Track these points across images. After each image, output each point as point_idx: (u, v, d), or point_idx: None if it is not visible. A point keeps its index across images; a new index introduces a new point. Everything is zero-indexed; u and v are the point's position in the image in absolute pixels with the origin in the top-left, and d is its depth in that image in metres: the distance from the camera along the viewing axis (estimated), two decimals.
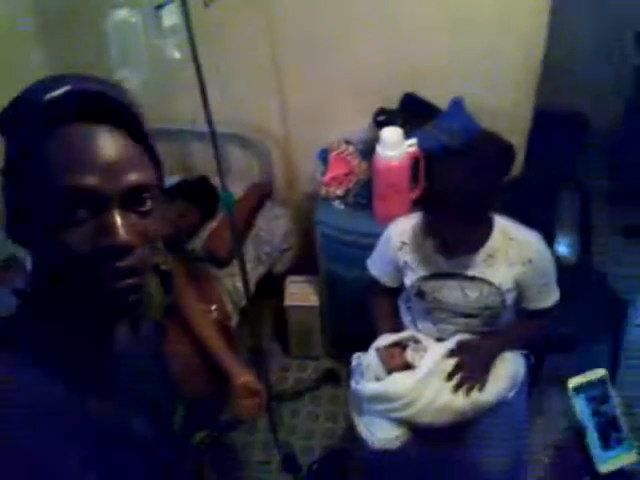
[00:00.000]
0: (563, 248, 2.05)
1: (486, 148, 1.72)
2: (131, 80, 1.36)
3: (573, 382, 1.17)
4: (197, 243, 2.20)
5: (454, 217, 1.52)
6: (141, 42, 1.37)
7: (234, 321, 2.14)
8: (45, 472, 0.62)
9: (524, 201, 1.94)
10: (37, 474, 0.61)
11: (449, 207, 1.53)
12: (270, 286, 2.53)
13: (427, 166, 1.91)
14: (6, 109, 0.65)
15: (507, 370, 1.67)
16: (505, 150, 1.85)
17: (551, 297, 1.69)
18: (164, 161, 2.56)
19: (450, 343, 1.69)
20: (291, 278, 2.54)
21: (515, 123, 2.13)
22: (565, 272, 1.77)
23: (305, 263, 2.52)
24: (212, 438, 1.72)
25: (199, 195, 2.11)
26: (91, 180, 0.62)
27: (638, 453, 1.16)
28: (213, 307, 2.03)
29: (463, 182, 1.50)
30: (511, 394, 1.68)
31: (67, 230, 0.62)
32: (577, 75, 3.09)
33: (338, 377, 2.51)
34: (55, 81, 0.64)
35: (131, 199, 0.65)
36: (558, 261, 1.76)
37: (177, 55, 1.50)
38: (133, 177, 0.65)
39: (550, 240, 2.07)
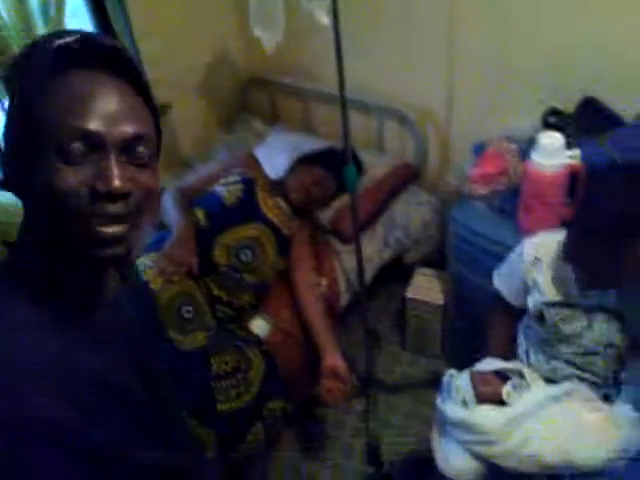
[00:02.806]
0: None
1: None
2: (265, 39, 1.33)
3: None
4: (327, 214, 2.17)
5: (603, 248, 1.30)
6: (279, 3, 1.32)
7: (344, 300, 2.10)
8: (32, 417, 0.62)
9: None
10: (26, 420, 0.62)
11: (593, 235, 1.32)
12: (399, 273, 2.44)
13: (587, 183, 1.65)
14: (20, 54, 0.68)
15: (617, 434, 1.42)
16: None
17: None
18: (317, 122, 2.48)
19: (558, 389, 1.47)
20: (421, 270, 2.41)
21: None
22: None
23: (442, 257, 2.38)
24: (284, 411, 1.70)
25: (340, 166, 2.05)
26: (94, 125, 0.65)
27: None
28: (324, 281, 2.00)
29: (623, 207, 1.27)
30: (620, 464, 1.43)
31: (64, 171, 0.64)
32: None
33: None
34: (67, 31, 0.67)
35: (129, 149, 0.68)
36: None
37: (325, 20, 1.44)
38: (132, 128, 0.68)
39: None
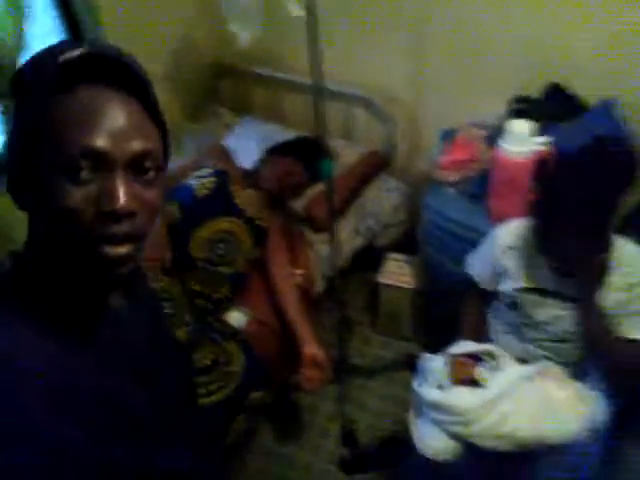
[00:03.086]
0: None
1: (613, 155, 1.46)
2: (242, 34, 1.32)
3: None
4: (299, 204, 2.18)
5: (565, 231, 1.36)
6: None
7: (319, 289, 2.11)
8: (33, 432, 0.62)
9: None
10: (25, 434, 0.62)
11: (561, 219, 1.37)
12: (370, 258, 2.47)
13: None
14: (21, 69, 0.66)
15: (585, 410, 1.48)
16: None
17: None
18: (287, 112, 2.49)
19: (530, 369, 1.53)
20: (392, 255, 2.45)
21: None
22: None
23: (411, 242, 2.42)
24: (263, 400, 1.72)
25: (311, 155, 2.05)
26: (101, 142, 0.63)
27: None
28: (299, 271, 2.01)
29: (579, 190, 1.32)
30: (585, 439, 1.50)
31: (70, 190, 0.63)
32: None
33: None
34: (71, 44, 0.65)
35: (135, 166, 0.66)
36: None
37: (299, 12, 1.44)
38: (139, 144, 0.66)
39: None
